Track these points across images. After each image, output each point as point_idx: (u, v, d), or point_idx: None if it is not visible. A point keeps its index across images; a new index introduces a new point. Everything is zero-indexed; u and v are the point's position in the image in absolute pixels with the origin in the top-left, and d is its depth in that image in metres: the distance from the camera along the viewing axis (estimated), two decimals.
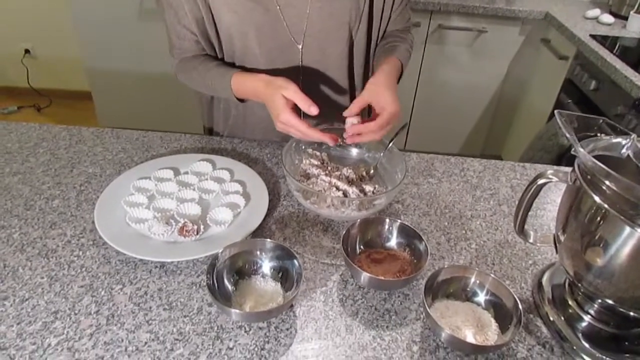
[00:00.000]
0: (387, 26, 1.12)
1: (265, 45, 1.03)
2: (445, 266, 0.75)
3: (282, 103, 0.87)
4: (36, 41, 3.30)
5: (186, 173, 1.00)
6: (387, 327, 0.73)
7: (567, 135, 0.63)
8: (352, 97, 1.15)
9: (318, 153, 1.02)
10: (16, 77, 3.42)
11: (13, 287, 0.75)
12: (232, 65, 1.08)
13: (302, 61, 1.06)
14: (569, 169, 0.68)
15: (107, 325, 0.70)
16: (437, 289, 0.75)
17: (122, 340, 0.68)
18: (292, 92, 0.87)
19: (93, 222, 0.86)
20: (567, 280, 0.78)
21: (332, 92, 1.13)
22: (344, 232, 0.81)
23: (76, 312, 0.72)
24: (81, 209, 0.92)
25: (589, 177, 0.62)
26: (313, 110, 0.85)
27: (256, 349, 0.68)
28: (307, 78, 1.08)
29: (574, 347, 0.70)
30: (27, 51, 3.32)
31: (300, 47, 1.03)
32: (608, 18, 2.23)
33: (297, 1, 0.98)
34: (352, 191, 0.93)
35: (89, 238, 0.85)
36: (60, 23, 3.08)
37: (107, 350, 0.67)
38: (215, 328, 0.71)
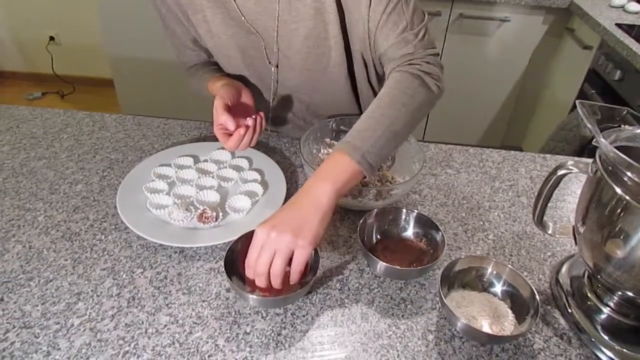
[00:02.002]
0: (375, 35, 0.89)
1: (253, 66, 1.02)
2: (462, 257, 0.75)
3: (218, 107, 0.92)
4: (61, 28, 3.35)
5: (206, 161, 1.01)
6: (402, 315, 0.73)
7: (589, 125, 0.62)
8: (361, 109, 1.12)
9: (336, 143, 1.03)
10: (41, 63, 3.49)
11: (38, 268, 0.78)
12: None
13: (278, 81, 1.04)
14: (590, 160, 0.67)
15: (128, 307, 0.72)
16: (453, 279, 0.75)
17: (143, 323, 0.70)
18: (215, 106, 0.91)
19: (115, 207, 0.88)
20: (586, 272, 0.77)
21: (332, 107, 1.10)
22: (361, 221, 0.81)
23: (98, 294, 0.74)
24: (104, 194, 0.94)
25: (610, 168, 0.61)
26: (229, 125, 0.89)
27: (273, 334, 0.69)
28: (295, 96, 1.08)
29: (592, 339, 0.69)
30: (51, 38, 3.38)
31: (273, 68, 1.01)
32: (635, 6, 2.17)
33: (269, 24, 0.93)
34: (369, 180, 0.93)
35: (111, 222, 0.87)
36: (84, 11, 3.13)
37: (127, 332, 0.68)
38: (233, 313, 0.72)
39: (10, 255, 0.80)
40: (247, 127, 0.91)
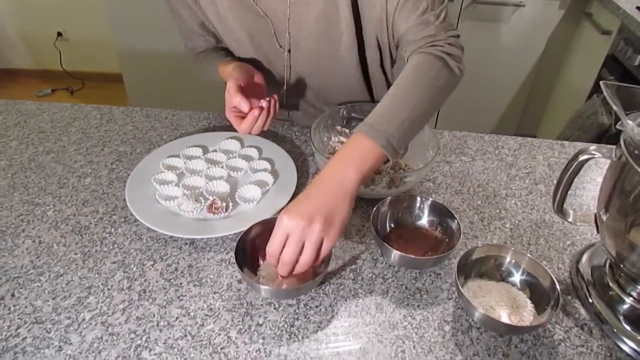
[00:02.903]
0: (394, 17, 0.88)
1: (262, 50, 1.00)
2: (479, 245, 0.73)
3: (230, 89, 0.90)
4: (68, 24, 3.35)
5: (215, 151, 1.00)
6: (418, 306, 0.71)
7: (614, 107, 0.59)
8: (372, 96, 1.10)
9: (347, 130, 1.01)
10: (49, 60, 3.49)
11: (48, 263, 0.77)
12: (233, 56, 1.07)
13: (291, 66, 1.02)
14: (612, 147, 0.65)
15: (139, 300, 0.71)
16: (470, 269, 0.73)
17: (154, 316, 0.69)
18: (228, 88, 0.89)
19: (124, 200, 0.87)
20: (608, 261, 0.74)
21: (343, 93, 1.08)
22: (374, 209, 0.79)
23: (109, 287, 0.73)
24: (113, 186, 0.93)
25: (636, 152, 0.59)
26: (243, 106, 0.87)
27: (286, 325, 0.68)
28: (305, 81, 1.06)
29: (615, 330, 0.67)
30: (59, 34, 3.38)
31: (286, 52, 0.99)
32: None
33: (279, 7, 0.91)
34: (382, 168, 0.91)
35: (121, 215, 0.86)
36: (91, 6, 3.12)
37: (139, 325, 0.67)
38: (245, 304, 0.71)
39: (20, 250, 0.79)
40: (262, 108, 0.88)
